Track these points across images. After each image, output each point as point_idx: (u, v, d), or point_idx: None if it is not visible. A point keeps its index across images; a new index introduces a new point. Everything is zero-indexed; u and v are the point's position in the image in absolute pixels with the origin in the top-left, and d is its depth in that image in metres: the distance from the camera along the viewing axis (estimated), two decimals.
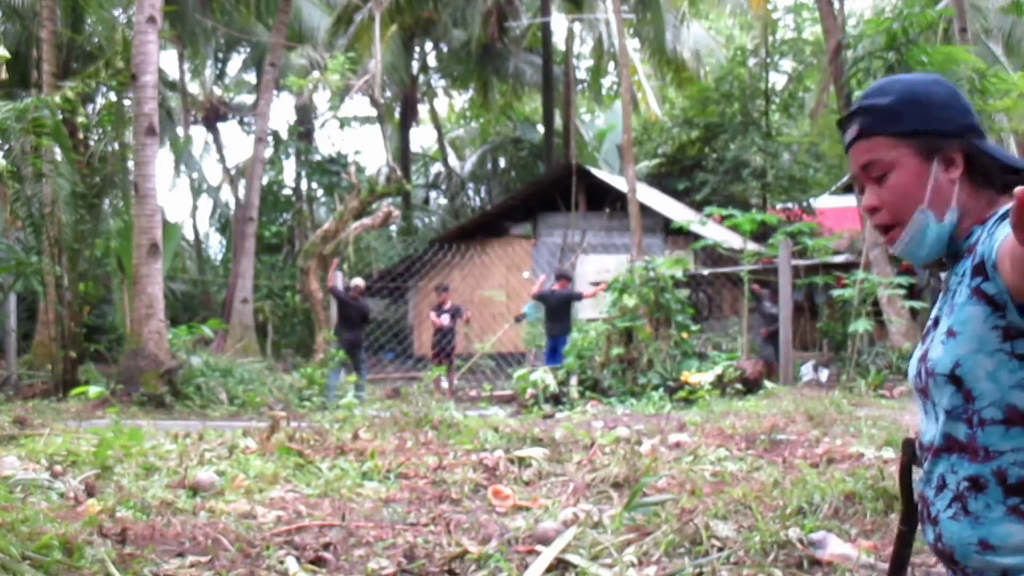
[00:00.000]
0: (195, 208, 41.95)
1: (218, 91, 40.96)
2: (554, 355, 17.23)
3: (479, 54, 34.90)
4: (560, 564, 5.15)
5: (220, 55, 38.80)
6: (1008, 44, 27.27)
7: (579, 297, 18.50)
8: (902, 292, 17.57)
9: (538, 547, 5.44)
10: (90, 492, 6.86)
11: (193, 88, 39.81)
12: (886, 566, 4.91)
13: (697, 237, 20.07)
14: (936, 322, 2.13)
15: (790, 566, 4.96)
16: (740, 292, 19.30)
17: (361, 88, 28.76)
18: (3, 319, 18.73)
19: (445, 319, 19.72)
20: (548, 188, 28.49)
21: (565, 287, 19.04)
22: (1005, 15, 27.60)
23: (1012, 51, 27.33)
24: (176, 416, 13.39)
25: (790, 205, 29.77)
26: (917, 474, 2.20)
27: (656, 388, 14.83)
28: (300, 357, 24.57)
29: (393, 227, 34.02)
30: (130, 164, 17.06)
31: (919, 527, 2.22)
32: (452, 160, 44.76)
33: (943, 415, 2.06)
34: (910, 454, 2.26)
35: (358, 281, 18.68)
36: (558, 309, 18.41)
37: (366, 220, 20.03)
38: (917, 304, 18.34)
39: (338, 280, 18.59)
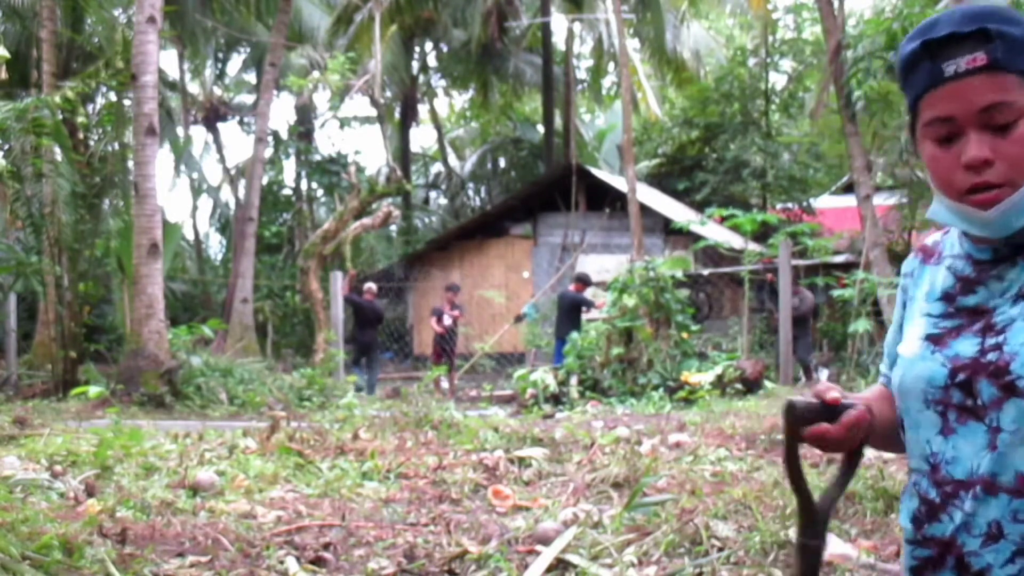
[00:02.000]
0: (195, 208, 41.98)
1: (218, 91, 40.95)
2: (562, 355, 17.22)
3: (479, 54, 34.88)
4: (560, 564, 5.15)
5: (220, 55, 38.79)
6: None
7: (591, 305, 18.49)
8: None
9: (538, 547, 5.44)
10: (90, 492, 6.86)
11: (193, 88, 39.81)
12: (886, 566, 4.91)
13: (697, 237, 20.07)
14: (977, 314, 1.79)
15: (790, 566, 4.95)
16: (740, 292, 19.30)
17: (361, 88, 28.75)
18: (3, 319, 18.73)
19: (447, 320, 19.75)
20: (548, 188, 28.47)
21: (581, 290, 19.05)
22: None
23: None
24: (176, 416, 13.38)
25: (790, 205, 29.78)
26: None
27: (656, 388, 14.82)
28: (300, 357, 24.57)
29: (393, 227, 34.03)
30: (130, 164, 17.06)
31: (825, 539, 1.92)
32: (452, 160, 44.76)
33: (1007, 438, 1.67)
34: (794, 425, 1.82)
35: (370, 285, 19.35)
36: (570, 311, 18.45)
37: (366, 220, 20.06)
38: None
39: (339, 284, 18.69)
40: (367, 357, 19.11)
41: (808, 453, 8.54)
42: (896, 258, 20.33)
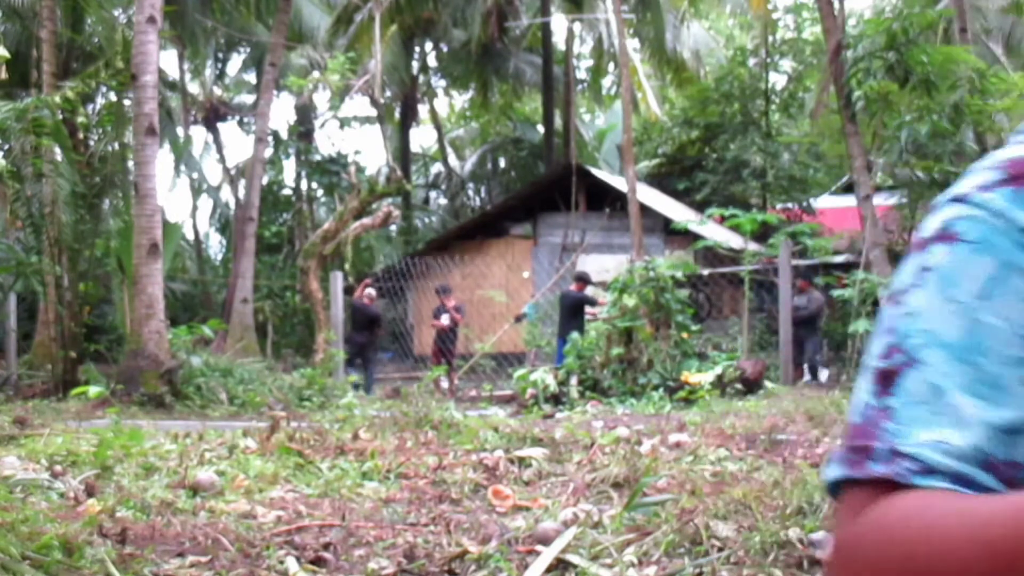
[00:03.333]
0: (195, 208, 42.03)
1: (218, 91, 40.97)
2: (563, 355, 17.23)
3: (479, 54, 34.90)
4: (560, 564, 5.15)
5: (220, 55, 38.82)
6: (1008, 44, 27.31)
7: (594, 303, 18.53)
8: None
9: (538, 547, 5.43)
10: (90, 492, 6.86)
11: (193, 88, 39.83)
12: None
13: (697, 237, 20.08)
14: None
15: (790, 566, 4.95)
16: (740, 292, 19.31)
17: (361, 88, 28.76)
18: (3, 319, 18.75)
19: (445, 319, 19.87)
20: (548, 188, 28.49)
21: (582, 289, 19.11)
22: (1005, 15, 27.65)
23: (1012, 51, 27.37)
24: (176, 416, 13.38)
25: (790, 205, 29.79)
26: None
27: (656, 388, 14.83)
28: (300, 357, 24.57)
29: (393, 227, 34.01)
30: (130, 164, 17.06)
31: None
32: (452, 160, 44.78)
33: None
34: None
35: (370, 291, 20.23)
36: (573, 310, 18.51)
37: (366, 220, 20.07)
38: None
39: (338, 284, 18.85)
40: (361, 359, 19.39)
41: (808, 453, 8.53)
42: (896, 258, 20.33)
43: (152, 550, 5.27)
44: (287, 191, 37.29)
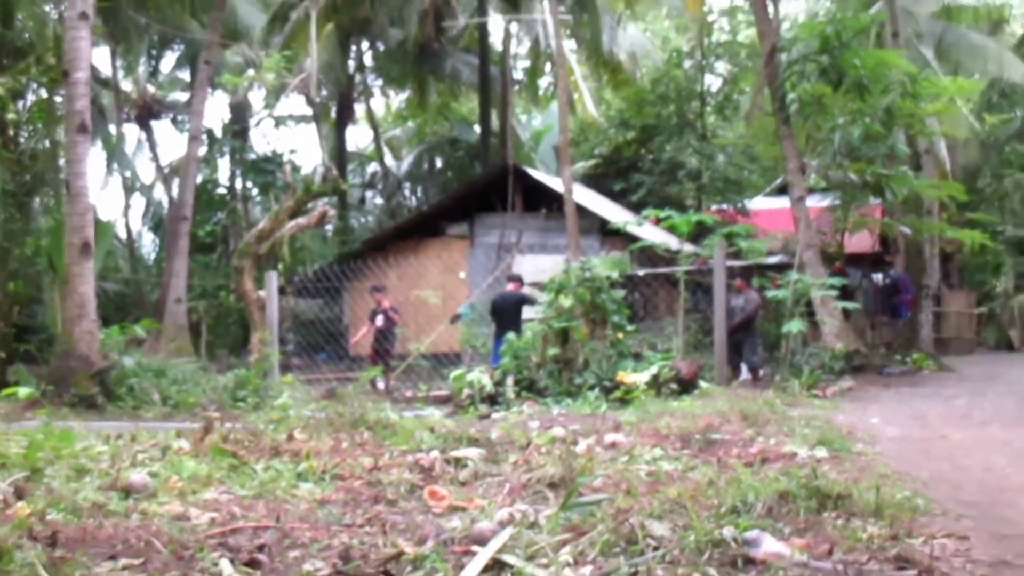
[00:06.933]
0: (128, 207, 41.46)
1: (151, 89, 40.53)
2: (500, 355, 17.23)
3: (416, 54, 34.86)
4: (496, 564, 5.14)
5: (154, 52, 38.43)
6: (939, 49, 27.73)
7: (533, 302, 18.55)
8: (835, 293, 17.78)
9: (474, 547, 5.43)
10: (20, 495, 6.76)
11: (126, 85, 39.39)
12: (819, 564, 4.96)
13: (633, 238, 20.17)
14: None
15: (724, 565, 4.98)
16: (675, 293, 19.40)
17: (297, 87, 28.58)
18: None
19: (379, 320, 19.84)
20: (484, 188, 28.52)
21: (519, 288, 19.16)
22: (936, 20, 28.08)
23: (943, 56, 27.80)
24: (108, 417, 13.22)
25: (725, 206, 30.02)
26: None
27: (592, 388, 14.87)
28: (234, 357, 24.39)
29: (329, 227, 33.85)
30: (61, 162, 16.88)
31: None
32: (388, 160, 44.70)
33: None
34: None
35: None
36: (512, 311, 18.55)
37: (301, 220, 19.94)
38: (850, 305, 18.56)
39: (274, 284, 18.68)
40: None
41: (742, 453, 8.60)
42: (829, 259, 20.55)
43: (83, 553, 5.20)
44: (222, 190, 36.97)
